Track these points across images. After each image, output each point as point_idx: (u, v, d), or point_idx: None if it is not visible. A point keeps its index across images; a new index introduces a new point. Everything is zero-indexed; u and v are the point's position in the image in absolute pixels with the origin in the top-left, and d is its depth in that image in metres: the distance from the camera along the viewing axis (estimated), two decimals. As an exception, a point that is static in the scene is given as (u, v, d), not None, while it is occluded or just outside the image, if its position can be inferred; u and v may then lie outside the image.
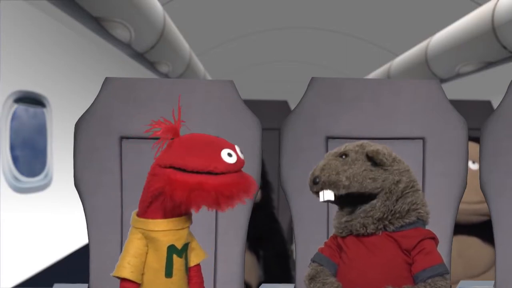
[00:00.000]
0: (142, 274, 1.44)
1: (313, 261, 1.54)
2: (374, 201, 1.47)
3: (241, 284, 1.98)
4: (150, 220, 1.43)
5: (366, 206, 1.47)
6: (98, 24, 3.72)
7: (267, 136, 2.55)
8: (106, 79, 2.04)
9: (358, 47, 8.01)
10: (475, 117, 3.06)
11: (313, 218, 1.98)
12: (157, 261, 1.44)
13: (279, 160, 2.04)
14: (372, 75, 8.51)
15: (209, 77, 8.51)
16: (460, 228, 2.97)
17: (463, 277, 3.17)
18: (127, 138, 2.01)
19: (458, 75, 5.34)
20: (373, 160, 1.47)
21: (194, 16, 6.53)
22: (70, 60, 4.97)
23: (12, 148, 3.97)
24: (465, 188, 2.01)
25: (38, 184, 4.39)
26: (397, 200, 1.47)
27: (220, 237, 1.98)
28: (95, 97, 2.03)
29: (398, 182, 1.48)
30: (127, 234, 1.47)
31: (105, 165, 1.99)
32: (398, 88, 2.06)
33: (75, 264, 4.24)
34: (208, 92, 2.04)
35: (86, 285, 1.97)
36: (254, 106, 2.64)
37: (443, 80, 5.57)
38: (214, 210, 1.96)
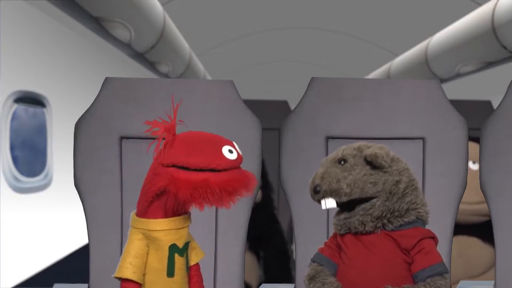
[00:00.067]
0: (144, 275, 1.44)
1: (313, 261, 1.54)
2: (374, 200, 1.47)
3: (241, 284, 1.98)
4: (151, 220, 1.43)
5: (366, 204, 1.47)
6: (98, 24, 3.72)
7: (267, 136, 2.56)
8: (106, 79, 2.04)
9: (358, 47, 8.01)
10: (475, 117, 3.07)
11: (313, 218, 1.98)
12: (159, 261, 1.44)
13: (279, 160, 2.04)
14: (372, 75, 8.51)
15: (209, 77, 8.51)
16: (460, 228, 2.97)
17: (463, 277, 3.17)
18: (127, 138, 2.01)
19: (458, 75, 5.34)
20: (372, 164, 1.47)
21: (194, 16, 6.53)
22: (70, 60, 4.97)
23: (12, 148, 3.97)
24: (465, 188, 2.01)
25: (38, 184, 4.39)
26: (397, 200, 1.47)
27: (220, 237, 1.98)
28: (95, 97, 2.03)
29: (398, 182, 1.48)
30: (127, 234, 1.47)
31: (105, 165, 1.99)
32: (398, 88, 2.06)
33: (75, 264, 4.25)
34: (208, 92, 2.04)
35: (86, 285, 1.97)
36: (254, 106, 2.64)
37: (443, 80, 5.57)
38: (214, 210, 1.98)
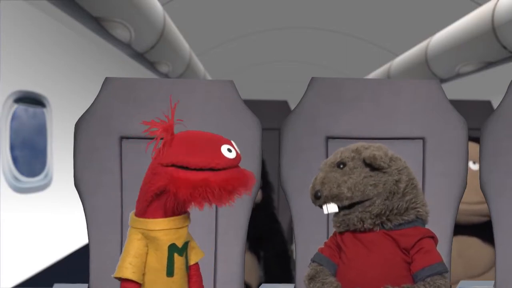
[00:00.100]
0: (143, 275, 1.44)
1: (313, 261, 1.54)
2: (375, 198, 1.47)
3: (241, 284, 1.98)
4: (150, 220, 1.43)
5: (366, 202, 1.47)
6: (98, 24, 3.72)
7: (267, 136, 2.56)
8: (106, 79, 2.04)
9: (358, 47, 8.01)
10: (475, 117, 3.06)
11: (313, 218, 1.98)
12: (158, 261, 1.44)
13: (279, 160, 2.04)
14: (372, 75, 8.51)
15: (209, 77, 8.51)
16: (460, 229, 2.97)
17: (463, 277, 3.17)
18: (127, 138, 2.01)
19: (458, 75, 5.34)
20: (371, 165, 1.47)
21: (194, 16, 6.53)
22: (70, 60, 4.97)
23: (12, 148, 3.97)
24: (465, 188, 2.01)
25: (38, 184, 4.39)
26: (397, 199, 1.47)
27: (220, 237, 1.98)
28: (95, 97, 2.03)
29: (398, 181, 1.48)
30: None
31: (105, 165, 1.99)
32: (398, 88, 2.06)
33: (75, 264, 4.25)
34: (208, 92, 2.04)
35: (86, 285, 1.97)
36: (254, 106, 2.64)
37: (443, 80, 5.57)
38: (214, 210, 1.98)
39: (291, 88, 6.92)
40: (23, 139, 4.27)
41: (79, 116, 2.01)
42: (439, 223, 1.85)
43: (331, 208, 1.47)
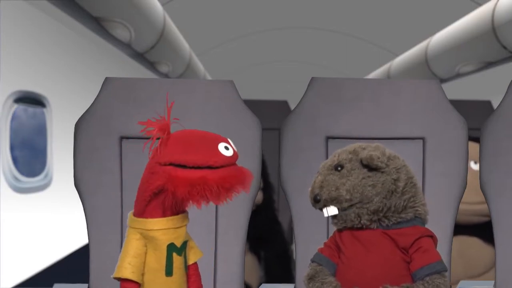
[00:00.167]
0: (142, 274, 1.44)
1: (312, 261, 1.54)
2: (374, 198, 1.47)
3: (241, 284, 1.98)
4: (149, 220, 1.43)
5: (365, 201, 1.47)
6: (98, 24, 3.72)
7: (267, 136, 2.56)
8: (106, 79, 2.04)
9: (358, 47, 8.01)
10: (475, 117, 3.06)
11: (313, 218, 1.98)
12: (157, 261, 1.44)
13: (279, 160, 2.04)
14: (372, 75, 8.51)
15: (209, 77, 8.51)
16: (461, 229, 2.97)
17: (463, 277, 3.17)
18: (127, 138, 2.01)
19: (458, 75, 5.34)
20: (369, 166, 1.47)
21: (194, 16, 6.53)
22: (70, 60, 4.97)
23: (12, 148, 3.97)
24: (465, 188, 2.01)
25: (38, 184, 4.39)
26: (396, 198, 1.47)
27: (220, 237, 1.98)
28: (95, 97, 2.03)
29: (397, 180, 1.47)
30: (127, 234, 1.47)
31: (105, 165, 1.99)
32: (398, 88, 2.06)
33: (75, 264, 4.25)
34: (208, 92, 2.04)
35: (86, 285, 1.97)
36: (254, 106, 2.64)
37: (443, 80, 5.57)
38: (214, 210, 1.98)
39: (291, 88, 6.92)
40: (23, 139, 4.27)
41: (79, 116, 2.01)
42: (439, 223, 1.85)
43: (331, 211, 1.48)
